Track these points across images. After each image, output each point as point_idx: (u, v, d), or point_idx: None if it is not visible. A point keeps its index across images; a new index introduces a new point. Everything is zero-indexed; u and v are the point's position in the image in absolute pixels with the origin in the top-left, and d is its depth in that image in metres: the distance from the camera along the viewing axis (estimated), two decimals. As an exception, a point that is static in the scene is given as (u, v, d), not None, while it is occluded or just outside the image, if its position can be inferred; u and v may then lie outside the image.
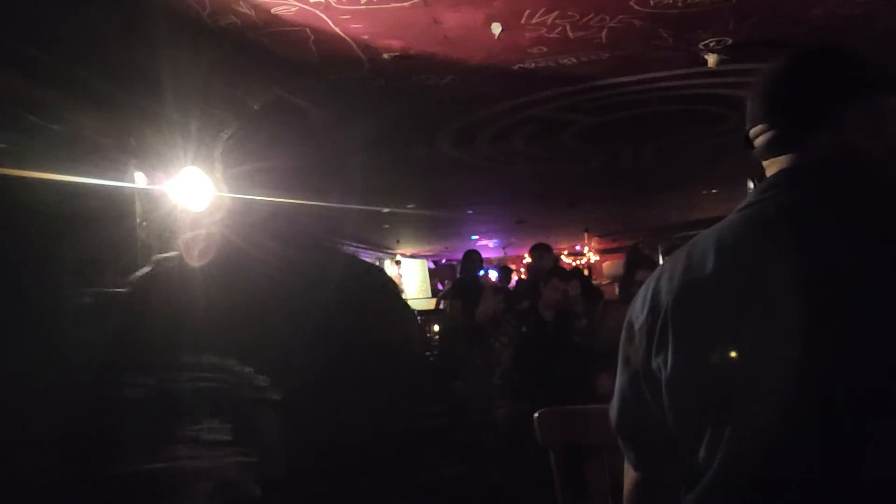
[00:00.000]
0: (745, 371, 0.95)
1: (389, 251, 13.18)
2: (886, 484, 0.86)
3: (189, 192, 2.85)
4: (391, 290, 1.34)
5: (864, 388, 0.88)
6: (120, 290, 1.19)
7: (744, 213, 1.04)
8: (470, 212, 9.15)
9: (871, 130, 1.02)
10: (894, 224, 0.94)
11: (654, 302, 1.05)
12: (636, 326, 1.08)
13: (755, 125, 1.10)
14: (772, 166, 1.08)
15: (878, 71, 1.06)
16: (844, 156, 1.02)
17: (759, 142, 1.10)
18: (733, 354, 0.96)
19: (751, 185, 1.32)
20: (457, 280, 6.85)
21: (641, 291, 1.10)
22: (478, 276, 5.93)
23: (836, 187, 1.00)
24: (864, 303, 0.90)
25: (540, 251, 5.20)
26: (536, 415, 1.78)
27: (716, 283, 0.99)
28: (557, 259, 6.38)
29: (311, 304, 1.10)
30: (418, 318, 7.32)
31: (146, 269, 1.24)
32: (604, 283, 10.50)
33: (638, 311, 1.08)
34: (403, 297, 1.69)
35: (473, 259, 5.96)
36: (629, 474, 1.19)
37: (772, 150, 1.08)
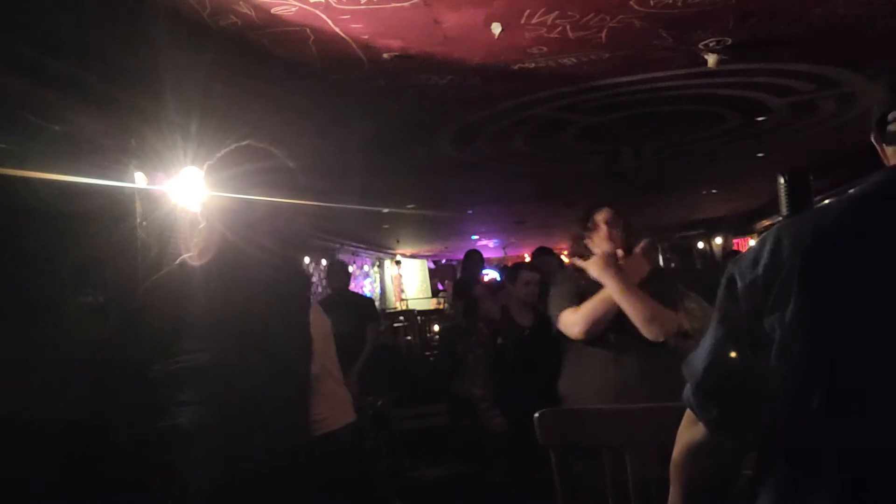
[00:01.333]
0: (872, 347, 0.94)
1: (389, 251, 13.17)
2: None
3: (189, 192, 2.85)
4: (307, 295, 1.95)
5: None
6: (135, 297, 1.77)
7: (881, 188, 1.04)
8: (470, 212, 9.14)
9: None
10: None
11: (773, 260, 1.03)
12: (741, 283, 1.06)
13: None
14: None
15: None
16: None
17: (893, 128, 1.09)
18: (863, 325, 0.95)
19: (781, 180, 1.31)
20: (458, 280, 6.86)
21: (751, 251, 1.08)
22: (478, 279, 5.92)
23: None
24: None
25: (542, 257, 4.60)
26: (537, 415, 1.78)
27: (855, 249, 0.98)
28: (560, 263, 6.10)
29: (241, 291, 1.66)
30: (419, 318, 8.55)
31: (155, 277, 1.75)
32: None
33: (746, 268, 1.06)
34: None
35: (474, 259, 5.96)
36: (693, 434, 1.15)
37: None
